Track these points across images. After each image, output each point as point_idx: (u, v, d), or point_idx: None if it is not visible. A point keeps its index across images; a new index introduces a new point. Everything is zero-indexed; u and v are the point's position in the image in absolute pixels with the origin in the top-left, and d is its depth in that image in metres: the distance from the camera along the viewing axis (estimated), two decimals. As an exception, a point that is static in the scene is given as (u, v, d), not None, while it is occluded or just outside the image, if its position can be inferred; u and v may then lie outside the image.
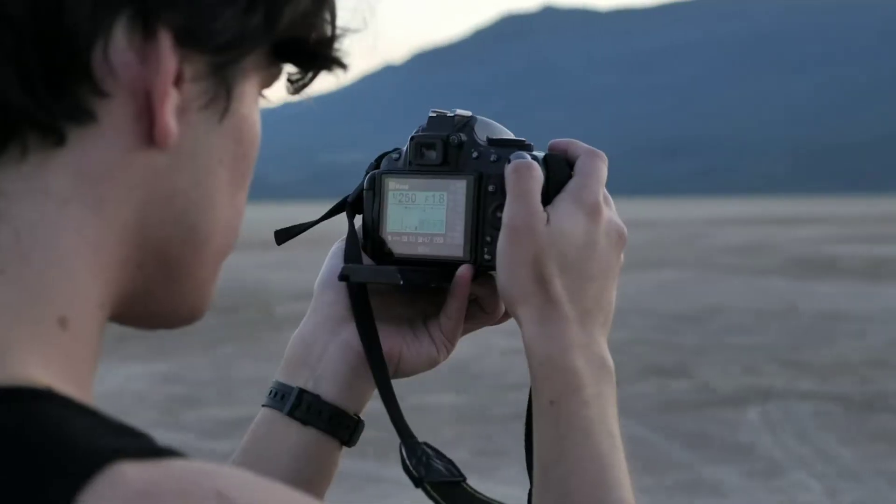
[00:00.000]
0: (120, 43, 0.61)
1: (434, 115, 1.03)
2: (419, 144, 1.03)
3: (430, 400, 9.20)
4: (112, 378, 9.99)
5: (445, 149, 1.01)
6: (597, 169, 0.98)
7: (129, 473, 0.54)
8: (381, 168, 1.05)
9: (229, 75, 0.66)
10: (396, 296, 1.05)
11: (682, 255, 26.13)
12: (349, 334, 1.02)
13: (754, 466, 7.22)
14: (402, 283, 1.00)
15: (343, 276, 1.02)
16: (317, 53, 0.71)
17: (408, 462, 0.99)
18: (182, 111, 0.64)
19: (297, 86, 0.73)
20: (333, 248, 1.06)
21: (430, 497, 0.98)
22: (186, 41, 0.62)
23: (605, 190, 1.00)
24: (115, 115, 0.62)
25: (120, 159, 0.63)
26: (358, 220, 1.07)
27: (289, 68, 0.72)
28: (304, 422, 1.00)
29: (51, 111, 0.60)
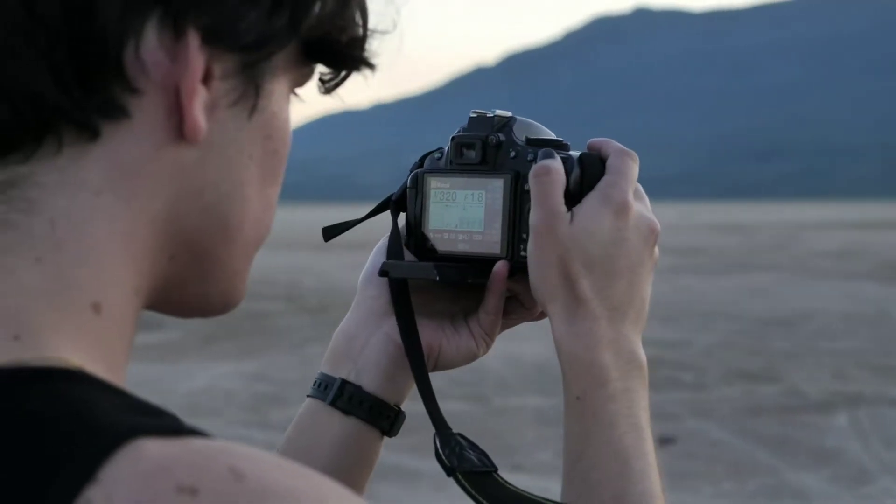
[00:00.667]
0: (151, 42, 0.64)
1: (474, 115, 1.06)
2: (459, 144, 1.06)
3: (514, 402, 9.21)
4: (202, 376, 10.15)
5: (484, 148, 1.05)
6: (626, 167, 1.00)
7: (149, 449, 0.56)
8: (424, 167, 1.09)
9: (258, 74, 0.69)
10: (438, 292, 1.08)
11: (773, 258, 25.82)
12: (390, 328, 1.06)
13: (841, 472, 7.13)
14: (437, 278, 1.03)
15: (383, 272, 1.05)
16: (346, 54, 0.74)
17: (441, 452, 1.01)
18: (212, 108, 0.67)
19: (328, 86, 0.76)
20: (378, 244, 1.09)
21: (461, 486, 1.00)
22: (213, 40, 0.65)
23: (640, 186, 1.02)
24: (146, 111, 0.65)
25: (151, 153, 0.66)
26: (402, 218, 1.10)
27: (320, 68, 0.74)
28: (346, 412, 1.04)
29: (84, 107, 0.63)
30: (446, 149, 1.08)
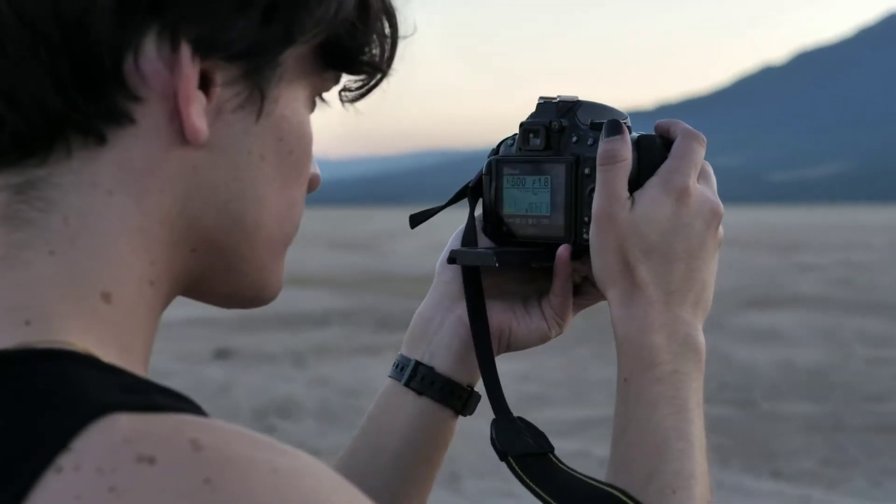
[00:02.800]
0: (150, 53, 0.69)
1: (542, 101, 1.09)
2: (525, 130, 1.09)
3: (783, 408, 8.99)
4: (471, 375, 10.31)
5: (548, 134, 1.07)
6: (690, 151, 1.01)
7: (120, 423, 0.61)
8: (499, 154, 1.11)
9: (262, 79, 0.73)
10: (512, 274, 1.11)
11: None
12: (462, 311, 1.10)
13: None
14: (497, 265, 1.06)
15: (451, 259, 1.10)
16: (359, 60, 0.78)
17: (494, 436, 1.04)
18: (217, 112, 0.72)
19: (352, 93, 0.81)
20: (457, 231, 1.13)
21: (511, 469, 1.03)
22: (204, 50, 0.70)
23: (708, 166, 1.02)
24: (150, 116, 0.71)
25: (158, 156, 0.72)
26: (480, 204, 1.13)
27: (346, 75, 0.80)
28: (419, 392, 1.09)
29: (88, 115, 0.69)
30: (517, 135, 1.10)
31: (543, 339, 1.11)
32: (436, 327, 1.10)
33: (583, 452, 7.53)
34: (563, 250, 1.05)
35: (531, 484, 1.00)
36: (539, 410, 8.94)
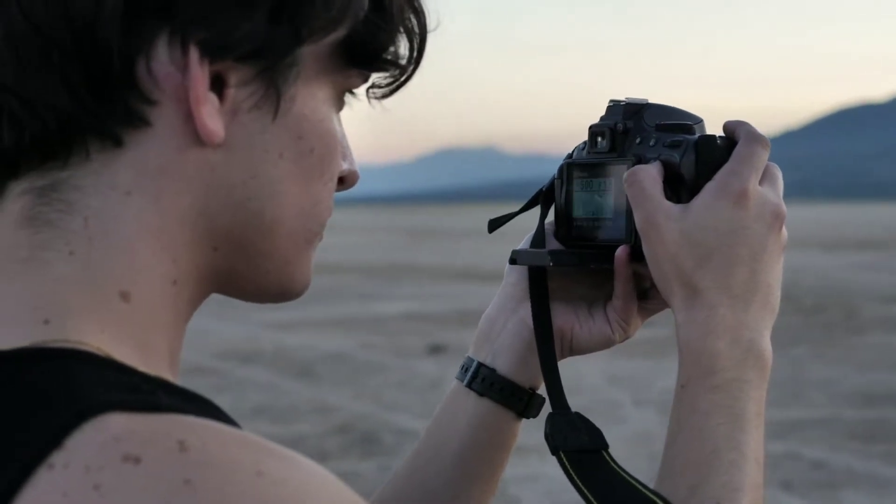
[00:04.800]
0: (162, 57, 0.71)
1: (611, 104, 1.08)
2: (593, 133, 1.08)
3: None
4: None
5: (613, 136, 1.07)
6: (751, 154, 0.99)
7: (113, 422, 0.63)
8: (573, 157, 1.11)
9: (277, 79, 0.75)
10: (580, 277, 1.10)
11: None
12: (526, 312, 1.09)
13: None
14: (551, 264, 1.06)
15: (511, 260, 1.10)
16: (378, 57, 0.79)
17: (548, 431, 1.04)
18: (234, 112, 0.74)
19: (381, 90, 0.82)
20: (528, 235, 1.12)
21: (561, 465, 1.01)
22: (213, 52, 0.72)
23: (774, 167, 1.01)
24: (165, 118, 0.73)
25: (174, 156, 0.73)
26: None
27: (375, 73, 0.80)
28: (480, 393, 1.08)
29: (102, 119, 0.72)
30: None
31: (607, 343, 1.10)
32: (499, 329, 1.10)
33: (792, 454, 7.36)
34: (621, 251, 1.04)
35: (578, 482, 1.00)
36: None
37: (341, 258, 25.85)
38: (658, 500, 0.93)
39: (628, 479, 0.98)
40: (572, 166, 1.10)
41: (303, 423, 8.33)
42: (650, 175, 1.00)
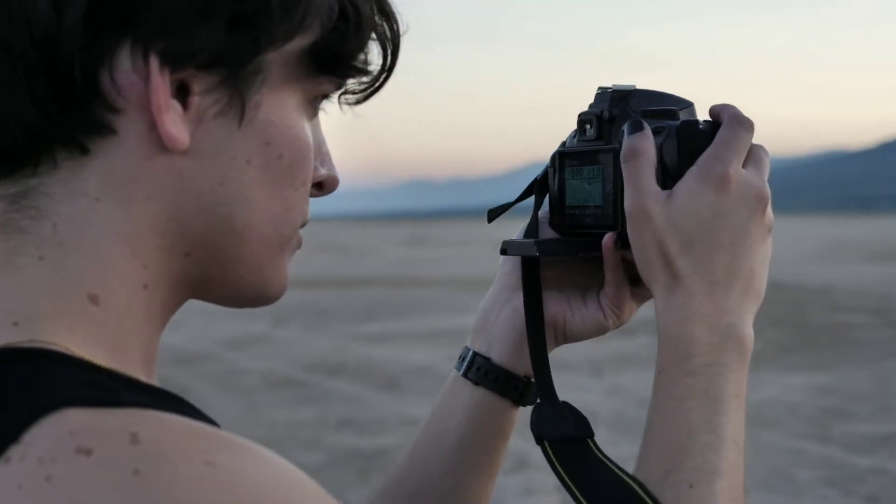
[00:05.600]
0: (125, 66, 0.73)
1: (599, 91, 1.08)
2: (581, 121, 1.08)
3: None
4: (771, 387, 10.08)
5: (599, 124, 1.06)
6: (733, 138, 0.98)
7: (70, 417, 0.65)
8: (565, 146, 1.11)
9: (241, 86, 0.76)
10: (573, 265, 1.10)
11: None
12: (520, 302, 1.10)
13: None
14: (537, 254, 1.06)
15: (502, 250, 1.10)
16: (346, 64, 0.80)
17: (534, 421, 1.04)
18: (199, 119, 0.76)
19: (354, 96, 0.84)
20: (524, 224, 1.12)
21: (545, 454, 1.02)
22: (173, 61, 0.74)
23: (760, 149, 1.00)
24: (130, 126, 0.75)
25: (141, 163, 0.75)
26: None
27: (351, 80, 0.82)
28: (476, 382, 1.09)
29: (68, 128, 0.74)
30: None
31: (601, 330, 1.09)
32: (494, 319, 1.11)
33: (880, 469, 7.25)
34: (607, 239, 1.03)
35: (560, 470, 1.00)
36: (839, 425, 8.65)
37: (432, 272, 25.93)
38: (633, 485, 0.93)
39: (610, 465, 0.98)
40: (563, 155, 1.10)
41: (388, 436, 8.37)
42: (648, 154, 0.99)
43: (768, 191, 0.99)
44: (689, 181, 0.98)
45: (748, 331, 0.98)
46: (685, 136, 1.00)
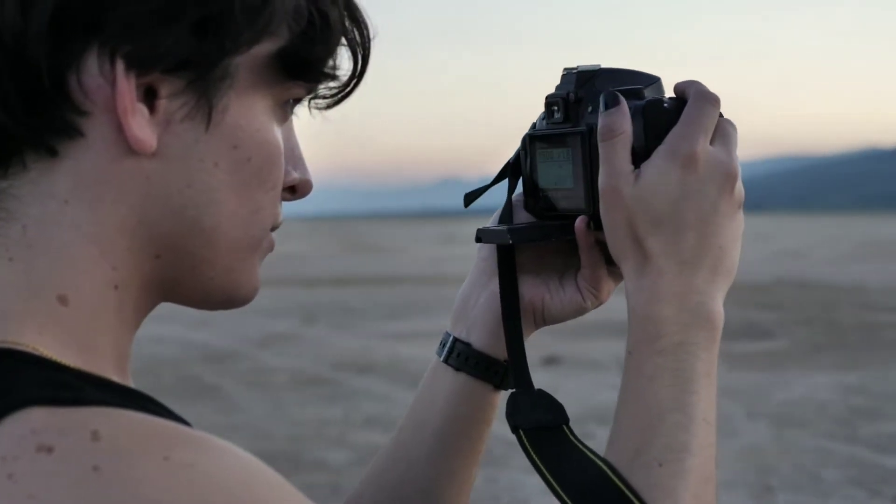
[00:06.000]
0: (92, 70, 0.75)
1: (564, 72, 1.07)
2: (548, 104, 1.07)
3: None
4: (799, 386, 10.02)
5: (566, 106, 1.05)
6: (699, 114, 0.97)
7: (34, 416, 0.67)
8: (535, 129, 1.10)
9: (208, 90, 0.77)
10: (550, 248, 1.10)
11: None
12: (497, 287, 1.10)
13: None
14: (510, 242, 1.06)
15: (477, 238, 1.10)
16: (314, 70, 0.81)
17: (509, 410, 1.04)
18: (166, 122, 0.77)
19: (325, 101, 0.85)
20: (500, 209, 1.12)
21: (519, 442, 1.02)
22: (138, 65, 0.75)
23: (727, 124, 0.99)
24: (98, 129, 0.76)
25: (109, 166, 0.77)
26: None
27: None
28: (457, 368, 1.09)
29: (36, 131, 0.75)
30: None
31: (579, 311, 1.10)
32: (473, 304, 1.11)
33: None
34: (579, 222, 1.03)
35: (534, 457, 1.00)
36: (867, 425, 8.59)
37: (462, 270, 25.86)
38: (603, 467, 0.94)
39: (584, 450, 0.98)
40: (533, 138, 1.09)
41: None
42: (626, 133, 0.98)
43: (737, 166, 0.98)
44: (656, 160, 0.97)
45: (718, 309, 0.98)
46: (650, 116, 0.99)
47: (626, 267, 0.98)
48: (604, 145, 0.98)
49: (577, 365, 11.52)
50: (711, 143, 0.98)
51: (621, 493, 0.91)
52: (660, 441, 0.93)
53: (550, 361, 11.67)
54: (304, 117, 0.87)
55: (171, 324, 14.27)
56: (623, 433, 0.95)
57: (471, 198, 1.14)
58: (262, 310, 16.24)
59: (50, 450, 0.65)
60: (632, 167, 0.97)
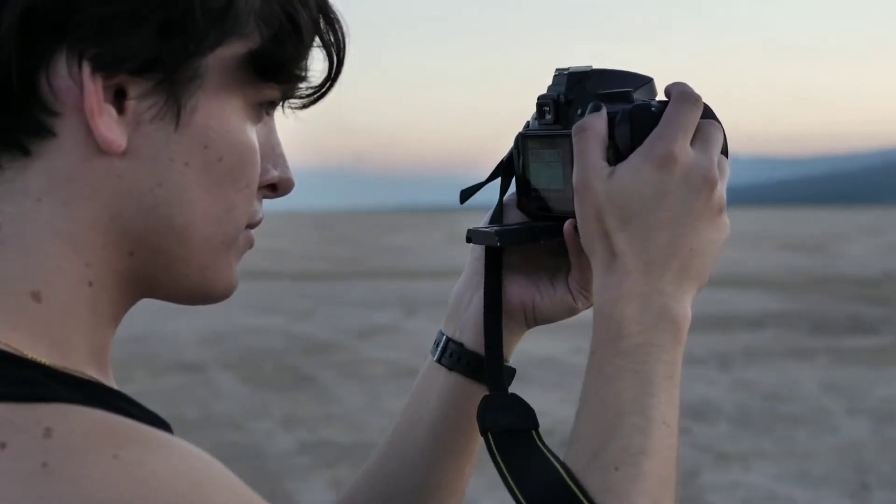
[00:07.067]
0: (61, 72, 0.76)
1: (556, 73, 1.06)
2: (539, 105, 1.07)
3: None
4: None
5: (556, 108, 1.05)
6: (679, 115, 0.97)
7: None
8: (528, 128, 1.09)
9: (176, 90, 0.79)
10: (545, 249, 1.09)
11: None
12: None
13: None
14: (498, 244, 1.06)
15: (467, 239, 1.10)
16: (285, 71, 0.82)
17: (480, 413, 1.03)
18: (136, 123, 0.78)
19: (301, 101, 0.86)
20: (493, 208, 1.12)
21: (486, 445, 1.01)
22: (104, 67, 0.76)
23: (712, 127, 0.98)
24: (69, 129, 0.78)
25: (80, 165, 0.78)
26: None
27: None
28: (450, 367, 1.09)
29: (7, 130, 0.77)
30: None
31: (571, 312, 1.09)
32: (465, 304, 1.10)
33: None
34: (567, 225, 1.03)
35: (499, 460, 0.99)
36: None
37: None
38: (561, 471, 0.93)
39: (547, 454, 0.97)
40: (526, 138, 1.09)
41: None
42: (598, 131, 0.98)
43: (716, 170, 0.97)
44: (633, 158, 0.97)
45: (684, 312, 0.97)
46: (637, 119, 0.98)
47: (595, 263, 0.98)
48: (576, 140, 0.98)
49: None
50: (692, 144, 0.97)
51: (575, 496, 0.91)
52: (616, 444, 0.92)
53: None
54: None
55: (273, 316, 14.43)
56: (582, 435, 0.94)
57: (466, 195, 1.14)
58: (363, 302, 16.37)
59: (3, 445, 0.67)
60: (605, 163, 0.97)
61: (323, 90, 0.87)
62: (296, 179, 0.89)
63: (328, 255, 28.05)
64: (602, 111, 0.99)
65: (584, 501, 0.91)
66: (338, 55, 0.85)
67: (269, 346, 12.42)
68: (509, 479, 0.97)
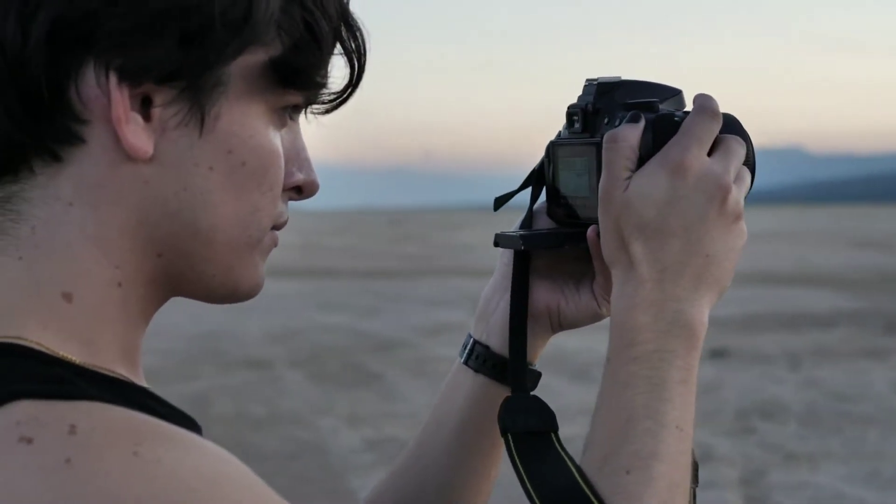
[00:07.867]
0: (90, 81, 0.79)
1: (586, 83, 1.08)
2: (568, 114, 1.09)
3: None
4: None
5: (585, 117, 1.07)
6: (695, 126, 0.99)
7: (20, 409, 0.71)
8: (560, 137, 1.11)
9: (200, 98, 0.81)
10: (568, 255, 1.10)
11: None
12: None
13: None
14: (522, 248, 1.08)
15: (495, 242, 1.11)
16: (306, 78, 0.85)
17: (501, 414, 1.05)
18: (162, 129, 0.81)
19: (324, 106, 0.89)
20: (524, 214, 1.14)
21: (506, 446, 1.03)
22: (130, 77, 0.79)
23: (731, 141, 0.99)
24: (98, 136, 0.80)
25: (109, 171, 0.81)
26: None
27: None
28: (476, 370, 1.11)
29: (39, 138, 0.80)
30: None
31: (595, 318, 1.11)
32: (493, 307, 1.12)
33: None
34: (590, 231, 1.04)
35: (517, 461, 1.01)
36: None
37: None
38: (575, 474, 0.95)
39: (564, 457, 0.99)
40: (556, 146, 1.11)
41: (571, 425, 8.28)
42: (627, 142, 0.99)
43: (729, 178, 0.98)
44: (647, 167, 0.98)
45: (700, 317, 0.98)
46: (660, 129, 1.00)
47: (616, 272, 1.00)
48: (606, 149, 1.00)
49: (746, 358, 11.33)
50: (710, 155, 0.99)
51: (587, 499, 0.93)
52: (629, 448, 0.94)
53: (718, 354, 11.51)
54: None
55: (341, 313, 14.53)
56: (596, 440, 0.96)
57: (500, 202, 1.16)
58: (430, 300, 16.41)
59: (30, 441, 0.70)
60: (629, 172, 0.99)
61: (345, 96, 0.89)
62: (320, 182, 0.92)
63: (396, 252, 28.15)
64: (640, 122, 1.00)
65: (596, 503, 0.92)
66: (359, 61, 0.87)
67: (336, 343, 12.51)
68: (526, 480, 0.99)
